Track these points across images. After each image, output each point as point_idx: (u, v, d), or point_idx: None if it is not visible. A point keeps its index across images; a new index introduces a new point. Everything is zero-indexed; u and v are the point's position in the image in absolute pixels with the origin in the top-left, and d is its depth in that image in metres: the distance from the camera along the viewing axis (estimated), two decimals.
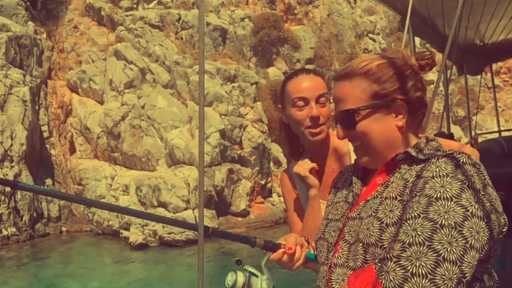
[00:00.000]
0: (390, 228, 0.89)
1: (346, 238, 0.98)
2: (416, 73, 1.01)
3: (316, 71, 1.50)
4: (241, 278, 1.10)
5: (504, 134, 4.51)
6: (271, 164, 13.53)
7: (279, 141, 13.78)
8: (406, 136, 0.99)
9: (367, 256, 0.92)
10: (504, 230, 0.88)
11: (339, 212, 1.05)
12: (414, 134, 1.01)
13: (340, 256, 0.97)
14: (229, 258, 8.81)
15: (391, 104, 0.97)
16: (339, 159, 1.43)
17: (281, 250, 1.14)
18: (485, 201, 0.85)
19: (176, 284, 8.40)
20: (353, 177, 1.06)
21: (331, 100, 1.42)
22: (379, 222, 0.91)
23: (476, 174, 0.87)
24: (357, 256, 0.93)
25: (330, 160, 1.45)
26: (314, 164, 1.41)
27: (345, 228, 0.99)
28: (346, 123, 0.99)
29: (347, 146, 1.43)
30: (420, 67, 1.02)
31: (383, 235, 0.89)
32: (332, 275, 0.98)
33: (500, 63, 17.70)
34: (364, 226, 0.94)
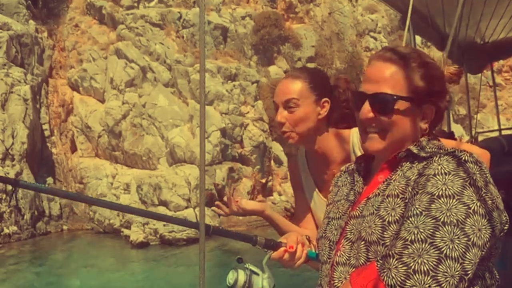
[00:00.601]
0: (392, 226, 0.89)
1: (348, 236, 0.98)
2: (446, 84, 1.02)
3: (300, 74, 1.42)
4: (242, 276, 1.10)
5: (504, 132, 4.49)
6: (272, 162, 13.54)
7: (280, 140, 13.79)
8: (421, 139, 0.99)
9: (369, 254, 0.91)
10: (505, 228, 0.87)
11: (340, 211, 1.05)
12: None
13: (342, 255, 0.97)
14: (231, 255, 8.82)
15: (424, 104, 0.97)
16: (342, 161, 1.42)
17: (282, 249, 1.14)
18: (487, 198, 0.85)
19: (177, 283, 8.42)
20: (355, 175, 1.06)
21: (321, 99, 1.39)
22: (381, 220, 0.91)
23: (478, 172, 0.87)
24: (360, 254, 0.93)
25: (331, 161, 1.44)
26: (242, 201, 1.40)
27: (347, 227, 0.99)
28: (381, 106, 0.95)
29: (348, 147, 1.42)
30: (447, 79, 1.04)
31: (385, 233, 0.89)
32: (334, 273, 0.98)
33: (502, 62, 17.65)
34: (366, 224, 0.93)
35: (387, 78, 0.96)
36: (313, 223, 1.46)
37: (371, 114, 0.96)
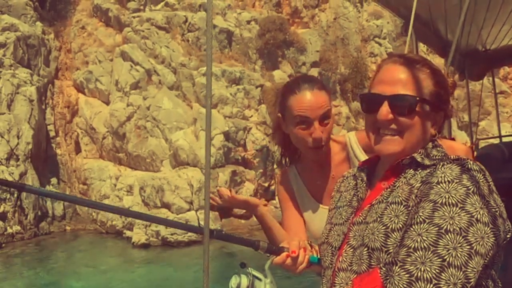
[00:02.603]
0: (395, 233, 0.89)
1: (350, 242, 0.98)
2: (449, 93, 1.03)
3: (319, 84, 1.41)
4: (244, 281, 1.10)
5: (505, 139, 4.47)
6: (275, 166, 13.54)
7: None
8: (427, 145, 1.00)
9: (371, 260, 0.92)
10: (508, 236, 0.88)
11: (343, 217, 1.05)
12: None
13: (344, 260, 0.98)
14: (232, 258, 8.81)
15: (436, 111, 0.98)
16: (338, 165, 1.42)
17: (284, 254, 1.14)
18: (490, 207, 0.85)
19: (179, 284, 8.41)
20: (358, 181, 1.06)
21: (332, 114, 1.41)
22: (384, 227, 0.91)
23: (481, 180, 0.87)
24: (362, 261, 0.93)
25: (330, 166, 1.44)
26: (233, 192, 1.41)
27: (350, 233, 0.99)
28: (402, 107, 0.95)
29: (345, 152, 1.43)
30: None
31: (388, 240, 0.90)
32: (336, 279, 0.98)
33: (507, 69, 17.58)
34: (369, 230, 0.94)
35: (404, 80, 0.96)
36: (304, 234, 1.44)
37: (390, 116, 0.95)
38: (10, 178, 11.05)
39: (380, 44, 17.06)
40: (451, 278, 0.80)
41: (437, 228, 0.83)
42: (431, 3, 2.58)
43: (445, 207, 0.84)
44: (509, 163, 2.92)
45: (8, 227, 10.90)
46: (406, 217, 0.90)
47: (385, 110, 0.96)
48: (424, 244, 0.82)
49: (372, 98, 0.99)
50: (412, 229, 0.86)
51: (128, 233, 11.33)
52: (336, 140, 1.45)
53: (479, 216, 0.83)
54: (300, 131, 1.36)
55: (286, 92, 1.42)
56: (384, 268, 0.86)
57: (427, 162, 0.95)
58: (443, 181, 0.87)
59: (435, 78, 0.98)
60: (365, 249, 0.93)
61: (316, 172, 1.45)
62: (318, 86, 1.40)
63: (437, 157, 0.96)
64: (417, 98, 0.95)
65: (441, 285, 0.79)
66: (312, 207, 1.45)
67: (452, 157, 0.94)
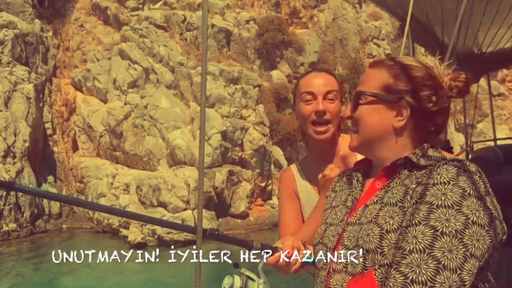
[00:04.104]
0: (390, 235, 0.89)
1: (345, 243, 0.97)
2: (438, 88, 1.00)
3: (329, 71, 1.51)
4: (238, 281, 1.10)
5: (500, 142, 4.47)
6: (272, 166, 13.55)
7: (281, 144, 13.81)
8: (405, 142, 0.98)
9: (366, 262, 0.91)
10: (503, 238, 0.87)
11: (338, 217, 1.04)
12: (417, 143, 0.99)
13: (339, 262, 0.97)
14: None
15: (395, 102, 0.98)
16: (344, 167, 1.40)
17: (277, 254, 1.14)
18: (487, 209, 0.85)
19: (174, 284, 8.41)
20: (353, 181, 1.06)
21: (343, 99, 1.43)
22: (379, 229, 0.91)
23: (477, 182, 0.87)
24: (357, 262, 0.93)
25: (334, 162, 1.42)
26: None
27: (344, 233, 0.99)
28: (354, 103, 1.02)
29: (354, 157, 1.41)
30: (449, 87, 1.02)
31: (383, 242, 0.89)
32: (331, 280, 0.97)
33: (505, 71, 17.68)
34: (364, 232, 0.93)
35: (365, 79, 1.03)
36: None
37: (348, 113, 1.03)
38: (6, 176, 11.02)
39: (378, 45, 17.11)
40: (446, 281, 0.80)
41: (432, 230, 0.83)
42: (428, 6, 2.60)
43: (441, 209, 0.84)
44: (504, 166, 2.94)
45: (4, 225, 10.87)
46: (401, 218, 0.89)
47: (348, 109, 1.04)
48: (420, 247, 0.82)
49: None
50: (407, 231, 0.85)
51: (124, 231, 11.32)
52: (346, 137, 1.44)
53: (475, 218, 0.83)
54: (305, 106, 1.40)
55: (299, 78, 1.49)
56: (379, 270, 0.86)
57: (422, 162, 0.94)
58: (439, 182, 0.87)
59: (394, 71, 0.99)
60: (360, 250, 0.93)
61: (321, 167, 1.43)
62: (328, 72, 1.47)
63: (433, 158, 0.95)
64: (359, 92, 1.00)
65: None
66: (314, 202, 1.45)
67: (448, 158, 0.93)
